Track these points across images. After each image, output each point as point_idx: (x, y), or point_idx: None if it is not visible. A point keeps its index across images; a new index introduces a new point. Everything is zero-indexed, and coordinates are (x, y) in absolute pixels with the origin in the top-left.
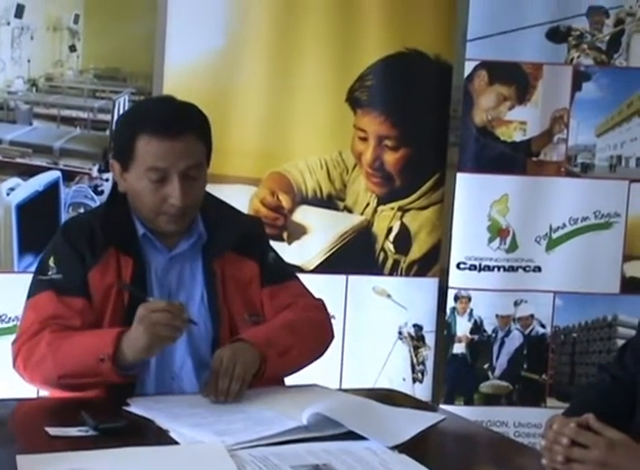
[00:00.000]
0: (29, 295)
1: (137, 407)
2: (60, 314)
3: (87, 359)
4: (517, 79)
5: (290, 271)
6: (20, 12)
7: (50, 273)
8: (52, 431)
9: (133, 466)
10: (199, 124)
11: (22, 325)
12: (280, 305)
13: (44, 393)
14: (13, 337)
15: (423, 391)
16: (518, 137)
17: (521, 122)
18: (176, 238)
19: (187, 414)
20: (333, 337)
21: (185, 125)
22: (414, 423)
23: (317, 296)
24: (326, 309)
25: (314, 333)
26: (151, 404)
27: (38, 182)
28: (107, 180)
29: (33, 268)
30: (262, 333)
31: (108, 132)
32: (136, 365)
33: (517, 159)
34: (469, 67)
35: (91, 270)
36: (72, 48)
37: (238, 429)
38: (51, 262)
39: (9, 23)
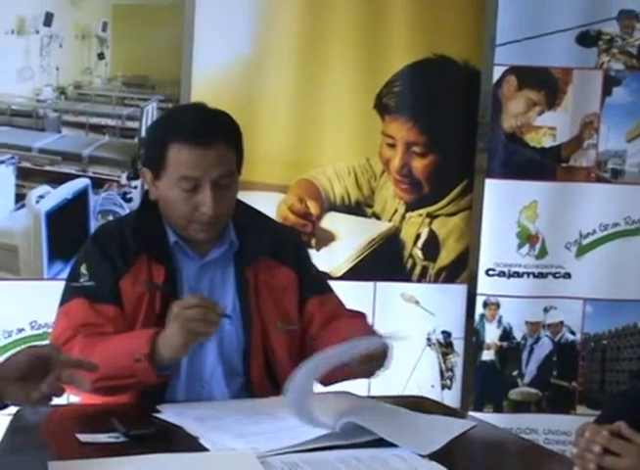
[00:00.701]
0: (62, 302)
1: (167, 414)
2: (92, 321)
3: (122, 360)
4: (546, 84)
5: (328, 282)
6: (48, 20)
7: (82, 280)
8: (82, 437)
9: None
10: (230, 132)
11: (55, 332)
12: (329, 314)
13: (74, 399)
14: (44, 344)
15: (451, 398)
16: (547, 143)
17: (550, 128)
18: (208, 245)
19: (218, 421)
20: None
21: (217, 134)
22: (445, 430)
23: (346, 303)
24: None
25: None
26: (181, 411)
27: (67, 190)
28: (135, 188)
29: (63, 275)
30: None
31: (136, 140)
32: (171, 365)
33: (546, 164)
34: (497, 72)
35: (123, 278)
36: (101, 56)
37: (269, 436)
38: (83, 269)
39: (38, 32)
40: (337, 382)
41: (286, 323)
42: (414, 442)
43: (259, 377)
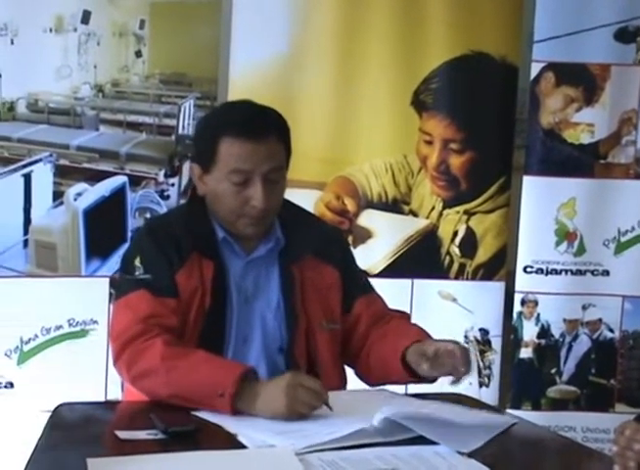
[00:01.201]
0: (119, 294)
1: (206, 411)
2: (157, 313)
3: (205, 391)
4: (584, 81)
5: (373, 286)
6: (86, 18)
7: (137, 273)
8: (121, 434)
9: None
10: (280, 128)
11: (120, 324)
12: (375, 313)
13: (111, 396)
14: (81, 341)
15: (489, 395)
16: (585, 139)
17: (588, 124)
18: (254, 242)
19: (256, 418)
20: None
21: (268, 128)
22: (486, 428)
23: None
24: None
25: None
26: None
27: (105, 187)
28: (172, 185)
29: (101, 273)
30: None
31: (173, 137)
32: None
33: (584, 161)
34: (535, 68)
35: (178, 272)
36: (138, 54)
37: (307, 432)
38: (137, 263)
39: (75, 30)
40: (385, 384)
41: (330, 322)
42: (454, 439)
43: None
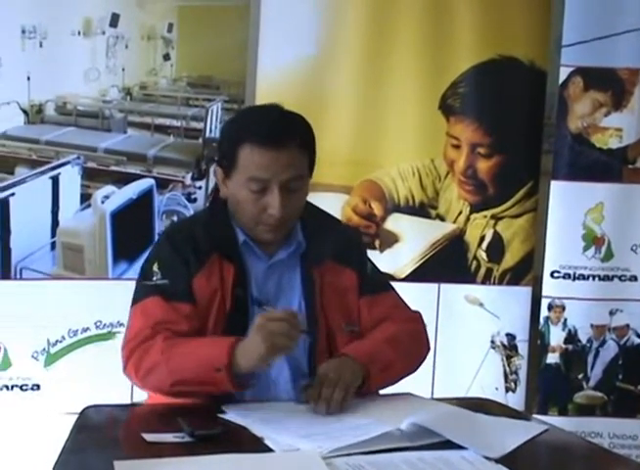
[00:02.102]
0: (135, 300)
1: (232, 414)
2: (168, 319)
3: (203, 369)
4: (613, 85)
5: (386, 282)
6: (114, 21)
7: (155, 279)
8: (148, 437)
9: None
10: (303, 135)
11: (131, 330)
12: (377, 316)
13: (137, 398)
14: (108, 343)
15: (515, 400)
16: (614, 144)
17: (616, 129)
18: (275, 246)
19: (282, 421)
20: (429, 349)
21: (289, 136)
22: (516, 433)
23: (410, 305)
24: (423, 322)
25: (414, 346)
26: (246, 411)
27: (132, 190)
28: (200, 188)
29: (128, 275)
30: (366, 348)
31: (201, 140)
32: (253, 374)
33: (612, 166)
34: (564, 73)
35: (196, 276)
36: (166, 57)
37: (334, 435)
38: (155, 268)
39: (104, 33)
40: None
41: (350, 324)
42: (484, 444)
43: None
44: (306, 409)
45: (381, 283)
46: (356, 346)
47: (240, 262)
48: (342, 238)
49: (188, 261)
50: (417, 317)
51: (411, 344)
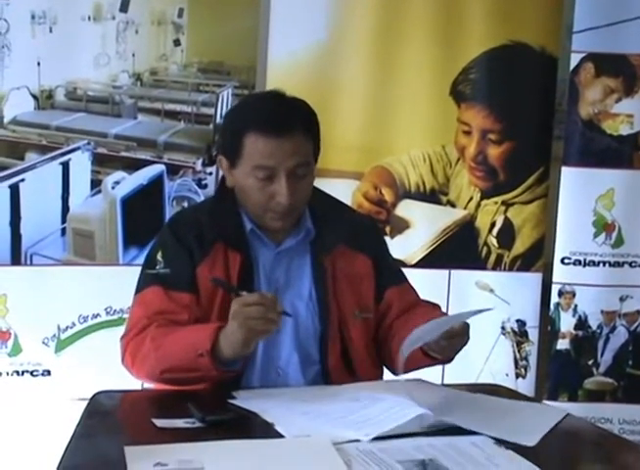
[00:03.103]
0: (137, 290)
1: (242, 400)
2: (167, 309)
3: (187, 355)
4: (624, 71)
5: (406, 276)
6: (125, 6)
7: (157, 267)
8: (159, 422)
9: (240, 459)
10: (307, 122)
11: (131, 320)
12: (407, 304)
13: (148, 385)
14: (118, 329)
15: (526, 386)
16: (624, 130)
17: (628, 115)
18: (284, 233)
19: (293, 407)
20: None
21: (293, 123)
22: (541, 420)
23: (421, 291)
24: None
25: None
26: (256, 397)
27: (143, 176)
28: (210, 174)
29: (138, 261)
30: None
31: (211, 126)
32: (237, 361)
33: (623, 152)
34: (575, 59)
35: (199, 265)
36: (177, 42)
37: (372, 421)
38: (159, 257)
39: (114, 18)
40: (416, 369)
41: (363, 311)
42: (514, 433)
43: (336, 365)
44: (318, 395)
45: (401, 273)
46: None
47: (247, 251)
48: (355, 223)
49: (191, 250)
50: (438, 305)
51: None
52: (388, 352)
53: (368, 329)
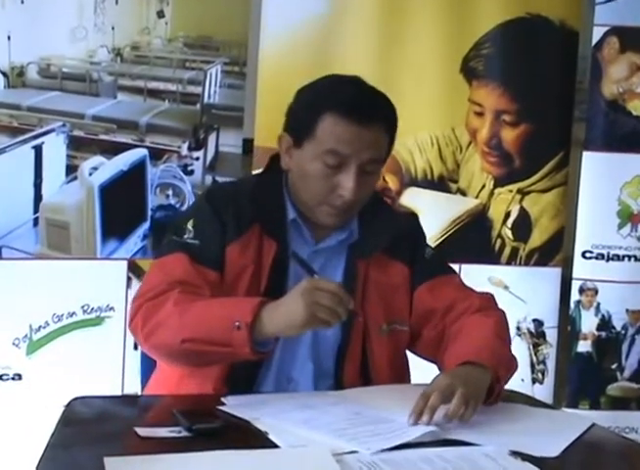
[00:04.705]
0: (159, 254)
1: (232, 407)
2: (190, 281)
3: (220, 325)
4: None
5: (447, 265)
6: None
7: (186, 237)
8: (141, 431)
9: None
10: (390, 116)
11: (149, 283)
12: (445, 297)
13: (129, 389)
14: (96, 329)
15: (543, 393)
16: None
17: None
18: (326, 230)
19: (288, 415)
20: None
21: (378, 114)
22: (563, 429)
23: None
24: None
25: (508, 334)
26: (247, 404)
27: (123, 161)
28: (197, 159)
29: (117, 255)
30: (485, 347)
31: (198, 106)
32: (270, 343)
33: None
34: (597, 33)
35: (231, 244)
36: (160, 14)
37: (376, 433)
38: (189, 225)
39: None
40: None
41: (393, 324)
42: (533, 444)
43: (352, 382)
44: (314, 402)
45: (440, 265)
46: (470, 346)
47: (284, 241)
48: (397, 228)
49: (226, 226)
50: (493, 298)
51: (508, 333)
52: (441, 363)
53: (397, 343)
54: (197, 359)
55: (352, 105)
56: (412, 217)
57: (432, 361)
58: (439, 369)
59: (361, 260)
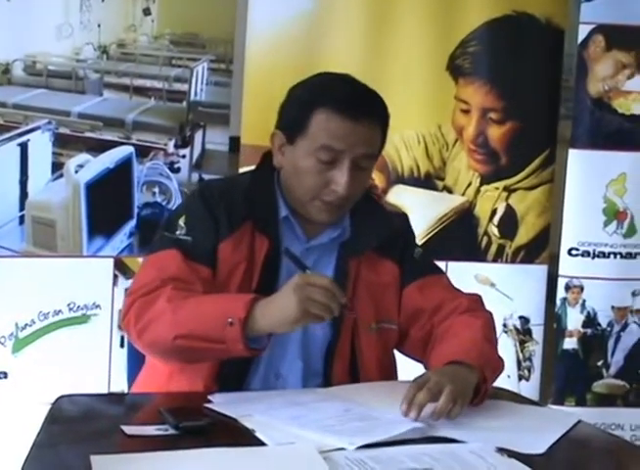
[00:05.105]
0: (151, 250)
1: (220, 404)
2: (183, 277)
3: (213, 321)
4: (637, 45)
5: (435, 265)
6: None
7: (178, 233)
8: (128, 429)
9: (217, 469)
10: (382, 113)
11: (141, 279)
12: (434, 297)
13: (115, 388)
14: (82, 327)
15: (529, 389)
16: (637, 109)
17: None
18: (319, 228)
19: (276, 413)
20: None
21: (371, 110)
22: (549, 426)
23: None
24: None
25: (495, 335)
26: (235, 401)
27: (109, 159)
28: (184, 156)
29: (104, 252)
30: (473, 348)
31: (185, 103)
32: (263, 340)
33: (636, 133)
34: (583, 31)
35: (224, 241)
36: (147, 11)
37: (362, 429)
38: (181, 222)
39: None
40: None
41: (382, 322)
42: (520, 440)
43: (341, 381)
44: (301, 400)
45: (429, 265)
46: (458, 346)
47: (276, 238)
48: (388, 226)
49: (218, 223)
50: (480, 299)
51: (495, 334)
52: (428, 362)
53: (385, 342)
54: (190, 356)
55: (345, 100)
56: (403, 217)
57: (418, 361)
58: (426, 368)
59: (353, 258)
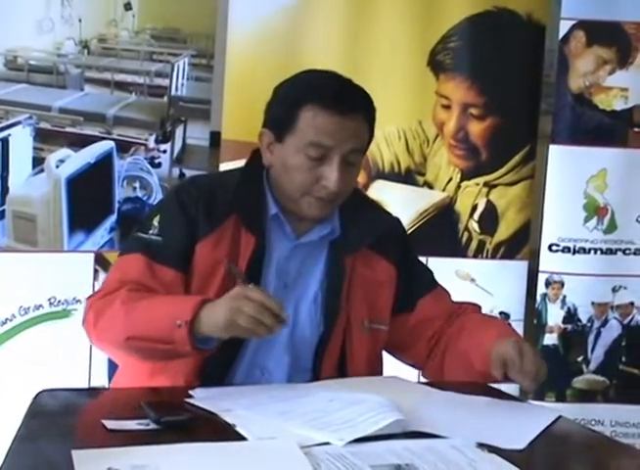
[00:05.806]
0: (123, 251)
1: (201, 399)
2: (143, 282)
3: (163, 323)
4: (618, 41)
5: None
6: None
7: (150, 232)
8: (109, 424)
9: (198, 463)
10: (369, 107)
11: (105, 283)
12: (445, 310)
13: (96, 382)
14: (62, 322)
15: (509, 385)
16: (618, 105)
17: (622, 89)
18: (307, 225)
19: (257, 407)
20: None
21: (358, 105)
22: (530, 421)
23: None
24: None
25: None
26: (216, 396)
27: (90, 153)
28: (164, 152)
29: (84, 247)
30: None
31: (166, 99)
32: (213, 341)
33: (617, 129)
34: (564, 27)
35: (202, 240)
36: (128, 6)
37: (348, 423)
38: (155, 221)
39: None
40: None
41: (373, 322)
42: (499, 437)
43: (329, 377)
44: (285, 395)
45: (432, 276)
46: (500, 327)
47: (263, 236)
48: (382, 226)
49: (195, 222)
50: (479, 306)
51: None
52: (436, 363)
53: (376, 341)
54: (142, 356)
55: (332, 97)
56: (397, 219)
57: (418, 368)
58: (424, 375)
59: (349, 256)
